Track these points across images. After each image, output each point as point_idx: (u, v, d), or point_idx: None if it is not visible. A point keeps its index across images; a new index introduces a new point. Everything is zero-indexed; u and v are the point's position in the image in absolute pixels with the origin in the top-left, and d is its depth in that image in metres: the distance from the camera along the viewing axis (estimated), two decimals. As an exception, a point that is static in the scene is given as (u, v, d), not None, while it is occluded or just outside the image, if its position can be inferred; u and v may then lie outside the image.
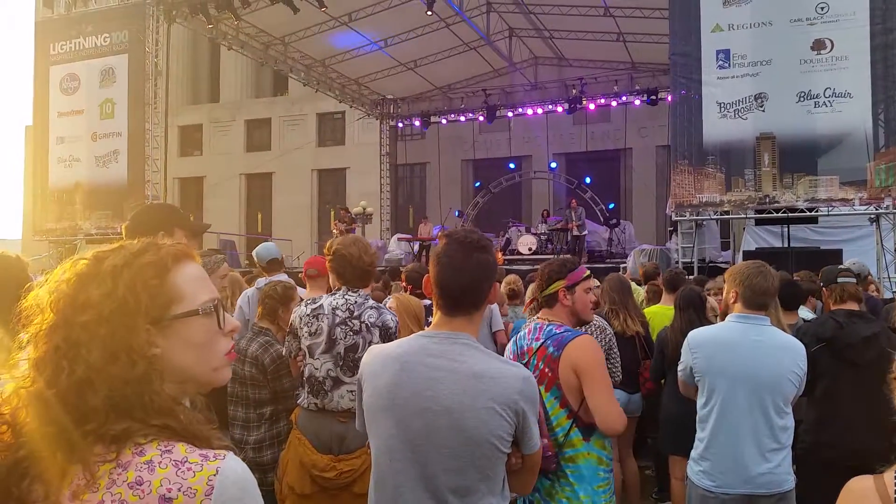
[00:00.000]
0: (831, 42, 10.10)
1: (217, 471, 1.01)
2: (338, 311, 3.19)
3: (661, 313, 5.58)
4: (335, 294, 3.29)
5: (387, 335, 3.15)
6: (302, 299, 3.84)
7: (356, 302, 3.22)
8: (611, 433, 2.57)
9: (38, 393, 1.01)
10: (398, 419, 1.80)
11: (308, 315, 3.25)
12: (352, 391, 3.11)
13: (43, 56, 15.47)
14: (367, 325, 3.17)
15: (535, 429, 1.85)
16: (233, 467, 1.03)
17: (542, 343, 2.70)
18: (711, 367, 3.10)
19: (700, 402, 3.16)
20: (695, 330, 3.35)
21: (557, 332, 2.71)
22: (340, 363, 3.15)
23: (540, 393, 2.56)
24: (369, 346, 3.09)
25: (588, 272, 2.85)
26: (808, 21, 10.24)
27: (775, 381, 2.99)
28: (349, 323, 3.17)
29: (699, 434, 3.16)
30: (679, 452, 4.49)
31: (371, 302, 3.26)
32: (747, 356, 3.01)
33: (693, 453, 3.18)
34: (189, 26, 15.90)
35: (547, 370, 2.65)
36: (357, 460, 3.08)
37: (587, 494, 2.56)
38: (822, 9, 10.17)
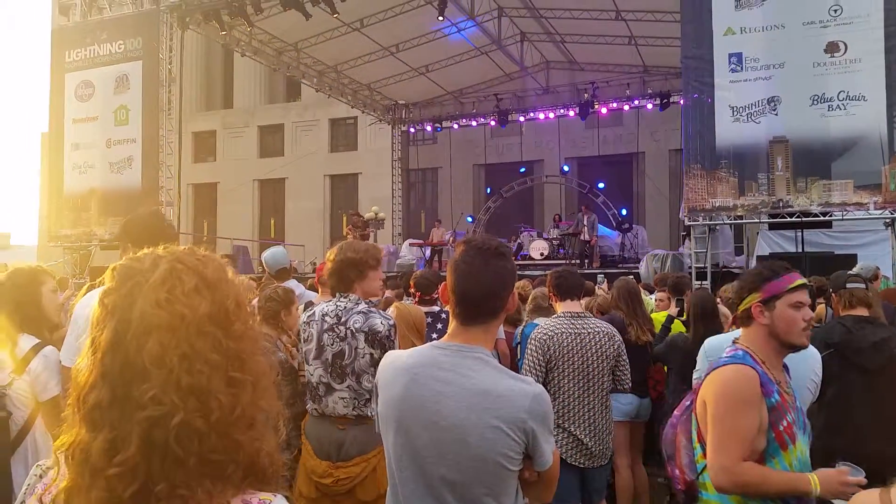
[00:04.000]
0: (845, 45, 10.01)
1: None
2: (327, 318, 3.21)
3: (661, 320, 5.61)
4: (330, 300, 3.32)
5: (374, 339, 3.11)
6: (313, 303, 3.88)
7: (345, 308, 3.21)
8: (714, 487, 2.13)
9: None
10: (406, 431, 1.80)
11: (304, 322, 3.30)
12: (343, 398, 3.13)
13: (58, 63, 15.62)
14: (352, 330, 3.15)
15: (547, 446, 1.79)
16: None
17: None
18: None
19: None
20: (711, 337, 3.34)
21: (723, 357, 2.35)
22: (329, 370, 3.16)
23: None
24: (356, 352, 3.10)
25: (798, 281, 2.27)
26: (821, 24, 10.15)
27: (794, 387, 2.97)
28: (336, 329, 3.18)
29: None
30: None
31: (361, 307, 3.22)
32: None
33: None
34: (202, 33, 16.05)
35: (693, 396, 2.42)
36: (355, 468, 3.07)
37: None
38: (836, 11, 10.06)
